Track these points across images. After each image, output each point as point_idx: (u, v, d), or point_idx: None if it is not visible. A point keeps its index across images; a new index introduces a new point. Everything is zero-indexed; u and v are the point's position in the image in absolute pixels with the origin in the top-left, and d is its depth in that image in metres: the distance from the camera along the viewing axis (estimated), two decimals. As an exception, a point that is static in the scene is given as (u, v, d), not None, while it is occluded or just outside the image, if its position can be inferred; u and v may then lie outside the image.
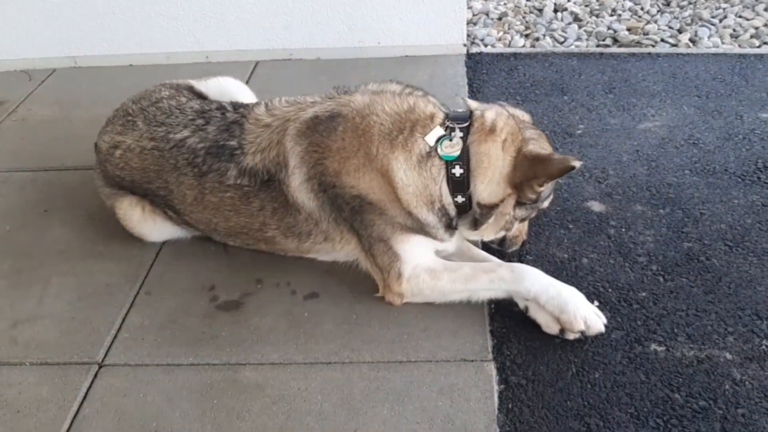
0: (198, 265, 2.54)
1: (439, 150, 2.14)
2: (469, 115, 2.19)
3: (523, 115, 2.31)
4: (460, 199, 2.18)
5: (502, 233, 2.31)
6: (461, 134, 2.14)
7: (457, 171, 2.14)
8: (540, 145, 2.18)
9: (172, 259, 2.58)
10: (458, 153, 2.13)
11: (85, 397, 2.06)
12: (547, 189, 2.19)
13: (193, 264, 2.55)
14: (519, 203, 2.20)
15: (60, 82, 4.07)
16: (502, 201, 2.17)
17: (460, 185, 2.16)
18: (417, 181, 2.15)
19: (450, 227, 2.26)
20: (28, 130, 3.57)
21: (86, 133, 3.20)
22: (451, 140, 2.14)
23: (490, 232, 2.28)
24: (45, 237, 2.73)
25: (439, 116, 2.21)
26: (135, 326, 2.29)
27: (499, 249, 2.43)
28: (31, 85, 4.04)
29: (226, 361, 2.14)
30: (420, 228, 2.21)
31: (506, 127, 2.17)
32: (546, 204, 2.30)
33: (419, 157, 2.15)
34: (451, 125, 2.16)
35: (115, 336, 2.26)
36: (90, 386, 2.09)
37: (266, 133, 2.31)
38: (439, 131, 2.16)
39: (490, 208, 2.18)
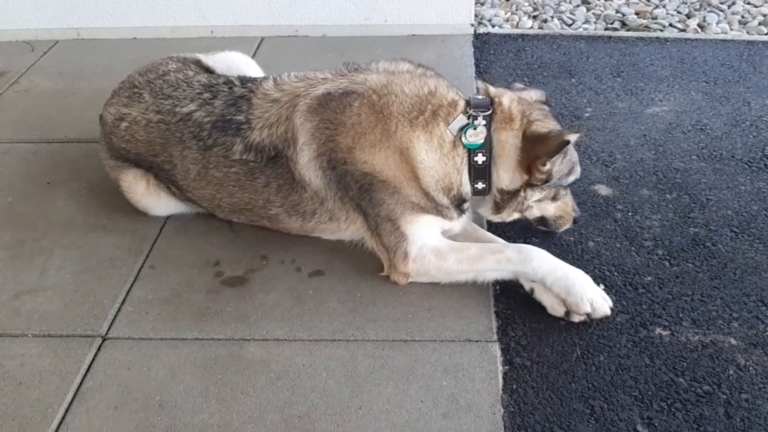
0: (203, 240, 2.52)
1: (463, 139, 2.15)
2: (490, 103, 2.19)
3: (536, 95, 2.32)
4: (480, 185, 2.20)
5: (516, 215, 2.32)
6: (484, 122, 2.14)
7: (480, 159, 2.15)
8: (544, 125, 2.17)
9: (176, 234, 2.57)
10: (482, 141, 2.14)
11: (88, 370, 2.05)
12: (556, 167, 2.17)
13: (197, 239, 2.53)
14: (531, 185, 2.21)
15: (63, 54, 4.03)
16: (522, 186, 2.21)
17: (482, 172, 2.18)
18: (438, 166, 2.16)
19: (460, 209, 2.26)
20: (31, 101, 3.53)
21: (89, 105, 3.20)
22: (475, 129, 2.14)
23: (508, 215, 2.31)
24: (48, 209, 2.71)
25: (461, 104, 2.20)
26: (139, 300, 2.28)
27: (547, 231, 2.44)
28: (33, 56, 4.00)
29: (231, 337, 2.13)
30: (432, 208, 2.20)
31: (519, 113, 2.18)
32: (572, 178, 2.28)
33: (440, 141, 2.15)
34: (473, 113, 2.15)
35: (119, 309, 2.25)
36: (93, 359, 2.08)
37: (275, 109, 2.28)
38: (462, 120, 2.16)
39: (511, 194, 2.22)
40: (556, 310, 2.14)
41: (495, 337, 2.10)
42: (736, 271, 2.31)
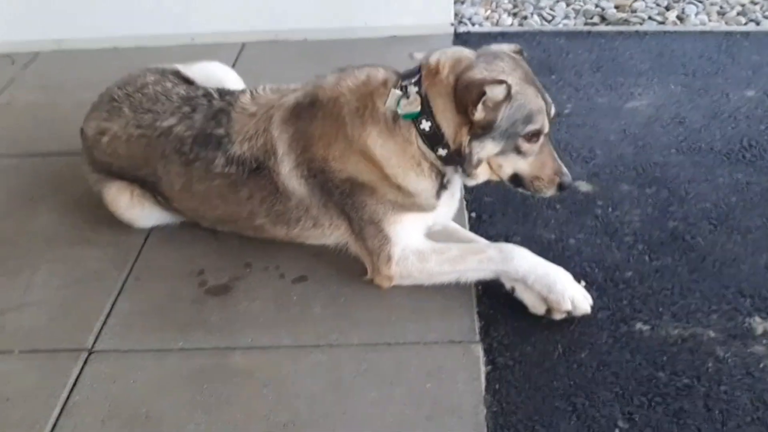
0: (187, 250, 2.53)
1: (399, 111, 2.11)
2: (419, 68, 2.15)
3: (508, 48, 2.23)
4: (441, 151, 2.12)
5: (488, 173, 2.20)
6: (416, 88, 2.10)
7: (425, 125, 2.09)
8: (479, 71, 2.04)
9: (160, 245, 2.57)
10: (419, 108, 2.09)
11: (74, 385, 2.06)
12: (499, 114, 2.02)
13: (181, 249, 2.54)
14: (475, 135, 2.07)
15: (44, 66, 4.02)
16: (466, 139, 2.07)
17: (434, 138, 2.11)
18: (395, 150, 2.15)
19: (443, 186, 2.24)
20: (13, 115, 3.53)
21: (72, 117, 3.15)
22: (408, 98, 2.10)
23: (478, 174, 2.18)
24: (31, 224, 2.72)
25: (392, 79, 2.19)
26: (124, 312, 2.29)
27: (529, 193, 2.24)
28: (14, 69, 3.99)
29: (216, 346, 2.14)
30: (411, 203, 2.21)
31: (448, 61, 2.10)
32: (531, 128, 2.07)
33: (387, 124, 2.14)
34: (404, 83, 2.13)
35: (104, 322, 2.26)
36: (80, 373, 2.09)
37: (252, 122, 2.31)
38: (395, 94, 2.12)
39: (460, 152, 2.10)
40: (537, 308, 2.16)
41: (478, 337, 2.12)
42: (714, 264, 2.34)
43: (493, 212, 2.65)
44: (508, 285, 2.22)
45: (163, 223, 2.63)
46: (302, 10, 4.04)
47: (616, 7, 4.36)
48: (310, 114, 2.23)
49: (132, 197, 2.56)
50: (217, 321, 2.23)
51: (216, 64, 2.91)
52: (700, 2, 4.36)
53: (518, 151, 2.12)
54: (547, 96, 2.14)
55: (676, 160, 2.86)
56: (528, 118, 2.07)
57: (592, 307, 2.15)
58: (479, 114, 2.02)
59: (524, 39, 3.94)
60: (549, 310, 2.14)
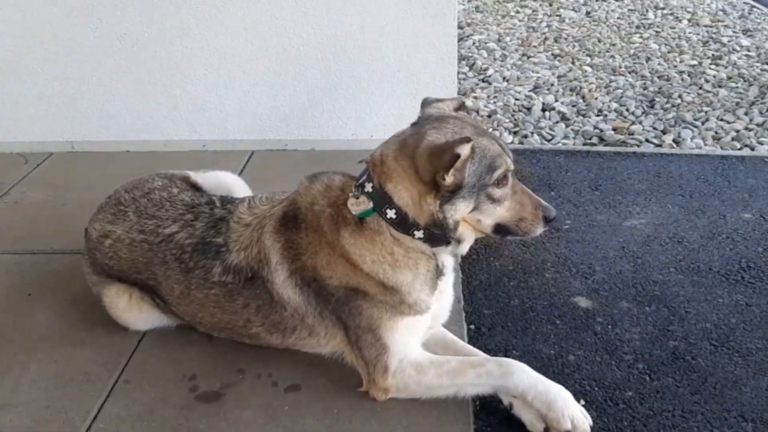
0: (180, 354, 2.50)
1: (354, 212, 2.15)
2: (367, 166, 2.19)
3: (452, 104, 2.27)
4: (419, 233, 2.12)
5: (474, 233, 2.19)
6: (370, 185, 2.13)
7: (390, 213, 2.10)
8: (436, 137, 2.05)
9: (154, 347, 2.54)
10: (369, 205, 2.12)
11: (53, 492, 1.98)
12: (465, 173, 2.01)
13: (175, 352, 2.51)
14: (444, 198, 2.05)
15: (56, 166, 4.13)
16: (435, 207, 2.07)
17: (403, 222, 2.11)
18: (366, 246, 2.16)
19: (438, 273, 2.23)
20: (20, 212, 3.59)
21: (78, 216, 3.23)
22: (357, 198, 2.14)
23: (462, 238, 2.16)
24: (27, 321, 2.70)
25: (349, 183, 2.24)
26: (111, 416, 2.23)
27: (519, 238, 2.22)
28: (26, 168, 4.09)
29: (202, 456, 2.07)
30: (400, 300, 2.18)
31: (391, 147, 2.13)
32: (497, 174, 2.06)
33: (357, 224, 2.17)
34: (358, 184, 2.17)
35: (90, 426, 2.19)
36: (60, 480, 2.02)
37: (247, 232, 2.36)
38: (351, 198, 2.16)
39: (432, 223, 2.10)
40: (536, 426, 2.10)
41: (474, 456, 2.06)
42: (716, 386, 2.29)
43: (493, 325, 2.63)
44: (506, 401, 2.18)
45: (160, 327, 2.61)
46: (311, 122, 4.19)
47: (614, 129, 4.51)
48: (296, 224, 2.28)
49: (130, 300, 2.56)
50: (206, 429, 2.17)
51: (227, 174, 2.99)
52: (696, 127, 4.52)
53: (492, 199, 2.10)
54: (501, 141, 2.16)
55: (675, 279, 2.86)
56: (491, 167, 2.07)
57: (592, 428, 2.09)
58: (450, 178, 2.00)
59: (524, 156, 4.06)
60: (547, 429, 2.09)
